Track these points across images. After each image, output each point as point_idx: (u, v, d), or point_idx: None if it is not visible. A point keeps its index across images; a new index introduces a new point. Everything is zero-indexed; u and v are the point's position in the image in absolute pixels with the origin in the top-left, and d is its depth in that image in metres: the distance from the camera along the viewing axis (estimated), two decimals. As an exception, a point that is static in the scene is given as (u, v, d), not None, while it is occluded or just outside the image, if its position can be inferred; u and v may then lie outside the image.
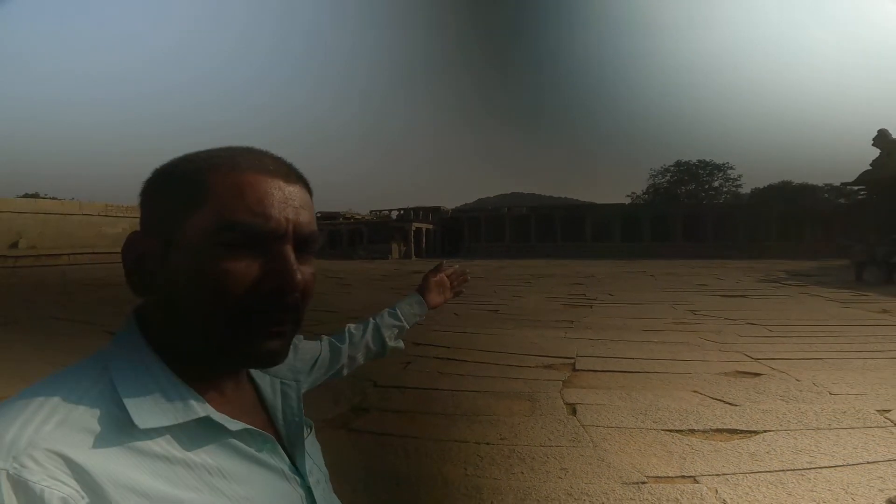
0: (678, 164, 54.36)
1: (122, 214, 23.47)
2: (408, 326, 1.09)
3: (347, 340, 0.97)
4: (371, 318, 1.05)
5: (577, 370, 4.72)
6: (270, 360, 0.50)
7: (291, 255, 0.48)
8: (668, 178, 54.92)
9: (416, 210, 48.85)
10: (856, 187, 29.24)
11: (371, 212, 53.98)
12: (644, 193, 55.68)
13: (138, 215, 0.52)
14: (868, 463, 2.60)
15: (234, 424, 0.48)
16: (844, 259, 17.78)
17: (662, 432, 3.18)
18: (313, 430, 0.64)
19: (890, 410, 3.39)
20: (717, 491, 2.39)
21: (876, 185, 25.16)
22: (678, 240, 37.08)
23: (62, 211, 22.62)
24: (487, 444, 3.02)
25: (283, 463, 0.53)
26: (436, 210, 49.12)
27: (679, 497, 2.36)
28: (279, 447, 0.53)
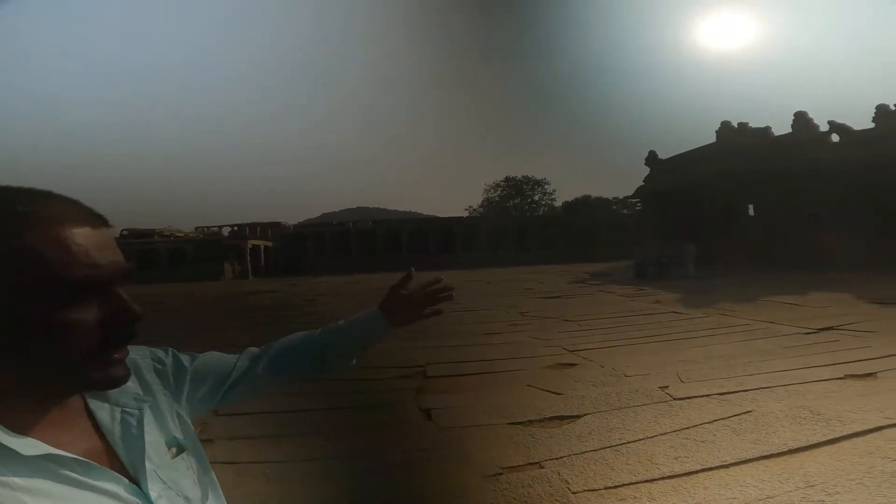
0: (507, 179, 60.87)
1: None
2: (345, 351, 0.94)
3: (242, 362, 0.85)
4: (288, 338, 0.91)
5: (429, 377, 4.96)
6: (115, 383, 0.54)
7: (125, 294, 0.53)
8: (499, 192, 61.03)
9: (252, 226, 45.05)
10: (633, 200, 36.71)
11: (197, 228, 47.95)
12: (480, 207, 60.90)
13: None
14: (661, 434, 3.20)
15: (34, 449, 0.48)
16: (629, 261, 22.00)
17: (509, 426, 3.52)
18: (185, 453, 0.64)
19: (668, 386, 4.26)
20: (559, 473, 2.73)
21: (647, 199, 31.97)
22: (510, 249, 41.39)
23: None
24: (353, 457, 3.05)
25: (118, 486, 0.54)
26: (275, 226, 46.07)
27: (531, 483, 2.64)
28: (109, 472, 0.54)
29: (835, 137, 22.10)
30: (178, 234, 42.97)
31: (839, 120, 22.07)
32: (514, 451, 3.07)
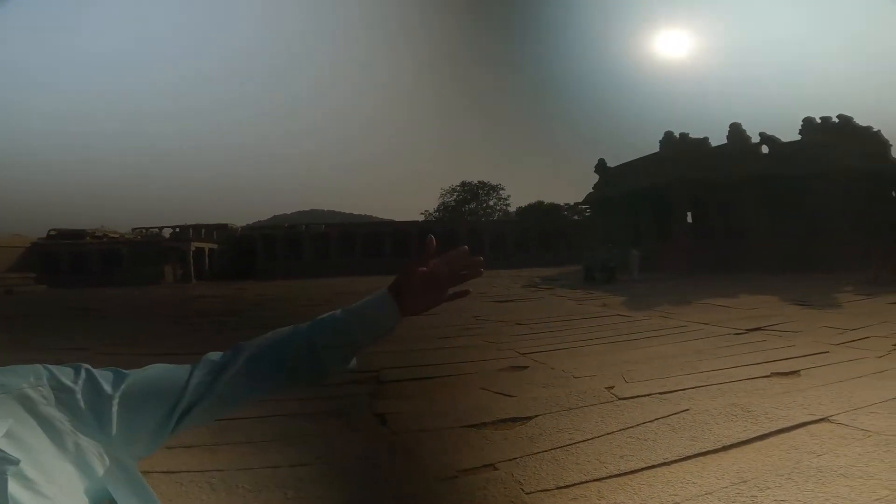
0: (463, 184, 61.50)
1: None
2: (342, 349, 0.72)
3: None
4: (265, 338, 0.71)
5: (383, 382, 4.88)
6: None
7: None
8: (455, 196, 61.50)
9: (196, 227, 42.87)
10: (584, 206, 38.12)
11: (134, 230, 45.08)
12: (436, 211, 61.08)
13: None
14: (607, 434, 3.31)
15: None
16: (579, 265, 22.76)
17: (463, 429, 3.53)
18: None
19: (614, 386, 4.42)
20: (512, 474, 2.76)
21: (596, 205, 33.29)
22: (464, 253, 41.71)
23: None
24: (304, 465, 2.97)
25: None
26: (222, 228, 44.08)
27: (486, 485, 2.66)
28: None
29: (765, 149, 23.96)
30: (113, 235, 40.24)
31: (770, 132, 24.01)
32: (469, 454, 3.09)
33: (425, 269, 0.76)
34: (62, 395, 0.52)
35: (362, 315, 0.74)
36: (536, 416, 3.74)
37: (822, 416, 3.33)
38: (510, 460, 2.95)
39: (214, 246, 40.29)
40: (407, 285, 0.75)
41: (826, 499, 2.24)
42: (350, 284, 22.53)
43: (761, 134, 24.08)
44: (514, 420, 3.68)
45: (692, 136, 25.31)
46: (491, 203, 61.64)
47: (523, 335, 7.51)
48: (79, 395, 0.53)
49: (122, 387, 0.57)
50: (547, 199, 57.90)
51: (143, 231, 45.03)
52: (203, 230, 42.85)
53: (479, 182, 61.54)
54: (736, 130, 24.48)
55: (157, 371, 0.63)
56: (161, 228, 44.75)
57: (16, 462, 0.43)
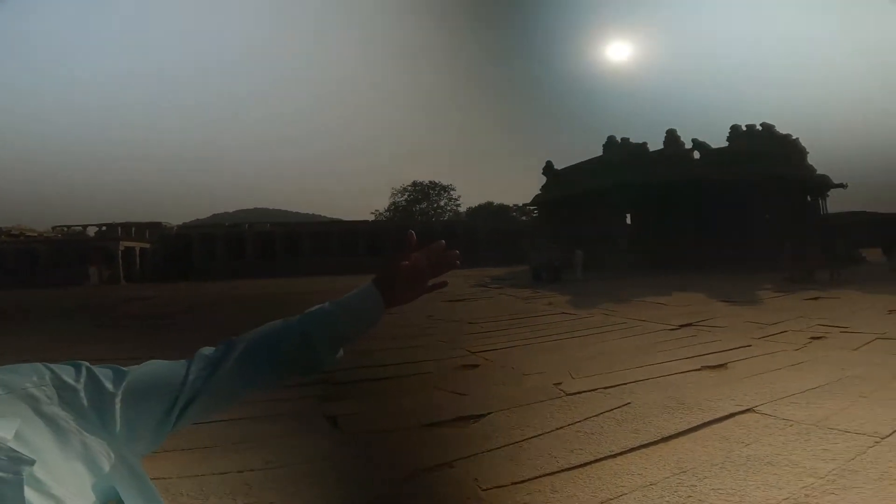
0: (415, 184, 61.32)
1: None
2: (331, 340, 0.74)
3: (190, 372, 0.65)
4: (257, 332, 0.72)
5: (333, 384, 4.78)
6: None
7: None
8: (406, 196, 61.21)
9: (125, 226, 39.94)
10: (531, 207, 39.19)
11: (55, 228, 41.37)
12: (386, 211, 60.53)
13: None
14: (557, 429, 3.42)
15: None
16: (527, 265, 23.38)
17: (417, 428, 3.53)
18: None
19: (562, 382, 4.58)
20: (468, 472, 2.79)
21: (543, 206, 34.33)
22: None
23: None
24: (252, 470, 2.88)
25: None
26: (155, 226, 41.33)
27: (442, 483, 2.68)
28: None
29: (696, 154, 25.69)
30: (31, 234, 36.72)
31: (701, 138, 25.79)
32: (424, 453, 3.09)
33: (407, 262, 0.79)
34: (65, 393, 0.51)
35: (350, 307, 0.76)
36: (489, 413, 3.80)
37: (748, 407, 3.61)
38: (465, 458, 2.98)
39: (147, 245, 37.73)
40: (391, 278, 0.78)
41: (757, 487, 2.42)
42: (296, 285, 21.83)
43: (693, 140, 25.82)
44: (468, 418, 3.72)
45: (633, 140, 26.73)
46: (442, 203, 61.97)
47: (474, 334, 7.62)
48: (82, 394, 0.52)
49: (123, 384, 0.57)
50: (497, 200, 59.04)
51: (65, 229, 41.37)
52: (133, 229, 39.96)
53: (431, 182, 61.69)
54: (671, 136, 26.09)
55: (154, 368, 0.63)
56: (85, 227, 41.29)
57: (31, 462, 0.42)
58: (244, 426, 3.60)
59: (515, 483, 2.61)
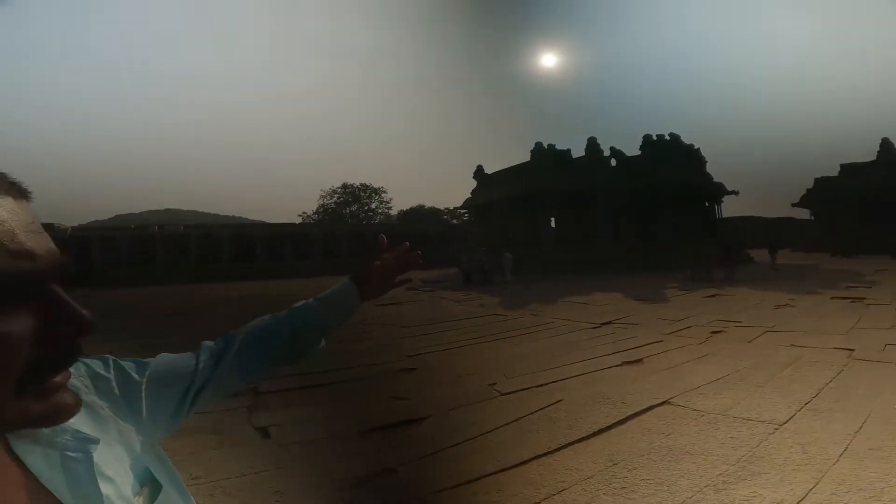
0: (344, 186, 59.79)
1: None
2: (316, 331, 0.84)
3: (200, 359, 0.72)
4: (254, 325, 0.79)
5: (260, 393, 4.56)
6: (63, 416, 0.41)
7: (65, 294, 0.41)
8: (335, 199, 59.52)
9: (8, 226, 34.94)
10: (462, 211, 39.86)
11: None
12: (315, 213, 58.45)
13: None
14: (496, 428, 3.52)
15: None
16: (457, 268, 23.74)
17: (357, 435, 3.47)
18: (163, 490, 0.53)
19: (496, 383, 4.73)
20: (414, 476, 2.80)
21: (473, 210, 35.07)
22: (345, 256, 40.65)
23: None
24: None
25: None
26: (46, 227, 36.55)
27: (387, 489, 2.67)
28: None
29: (613, 162, 27.59)
30: None
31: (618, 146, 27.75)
32: (367, 460, 3.06)
33: (379, 262, 0.93)
34: (99, 383, 0.56)
35: (332, 302, 0.87)
36: (429, 416, 3.83)
37: (664, 400, 3.97)
38: (408, 462, 3.00)
39: (35, 249, 33.34)
40: (366, 275, 0.91)
41: (680, 475, 2.65)
42: (214, 291, 20.45)
43: (611, 148, 27.72)
44: (409, 422, 3.73)
45: (558, 147, 28.15)
46: (373, 206, 61.09)
47: (412, 337, 7.62)
48: (113, 383, 0.57)
49: (147, 374, 0.62)
50: (428, 204, 59.32)
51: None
52: (18, 230, 35.12)
53: (361, 185, 60.56)
54: (592, 144, 27.81)
55: (168, 359, 0.68)
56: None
57: (97, 441, 0.47)
58: (165, 443, 3.33)
59: (461, 484, 2.66)
